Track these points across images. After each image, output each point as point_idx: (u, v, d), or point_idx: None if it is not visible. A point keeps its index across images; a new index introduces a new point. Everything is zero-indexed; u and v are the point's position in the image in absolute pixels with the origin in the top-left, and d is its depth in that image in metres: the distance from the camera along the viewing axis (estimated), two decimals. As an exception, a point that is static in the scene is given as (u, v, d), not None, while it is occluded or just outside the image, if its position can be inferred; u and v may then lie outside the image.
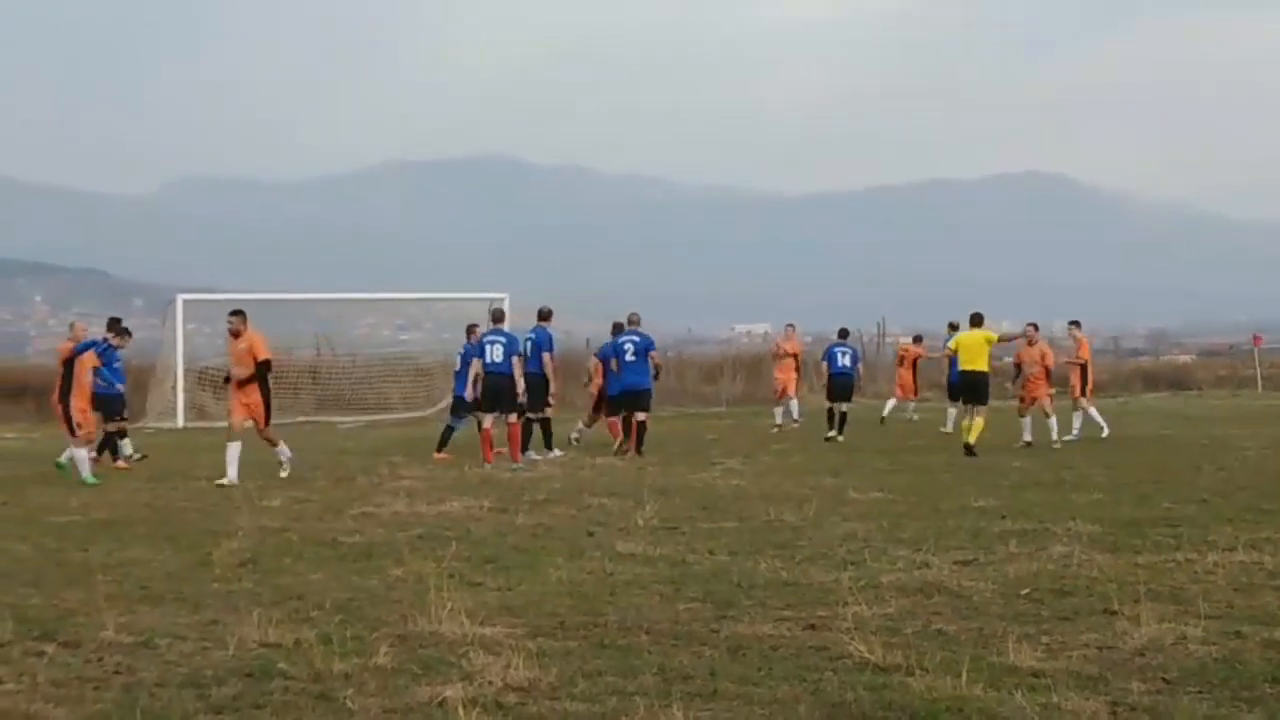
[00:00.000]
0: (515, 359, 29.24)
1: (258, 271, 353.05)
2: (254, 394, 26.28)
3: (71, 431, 26.51)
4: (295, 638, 11.55)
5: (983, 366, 30.88)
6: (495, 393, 29.26)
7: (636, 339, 31.64)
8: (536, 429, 31.02)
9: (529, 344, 30.28)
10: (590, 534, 18.11)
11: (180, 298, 45.54)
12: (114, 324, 30.64)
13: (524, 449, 30.12)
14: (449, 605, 12.26)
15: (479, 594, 13.69)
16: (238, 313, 26.51)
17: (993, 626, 12.00)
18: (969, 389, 31.07)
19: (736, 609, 12.92)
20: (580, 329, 67.06)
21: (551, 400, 31.24)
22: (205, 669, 10.80)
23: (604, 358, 33.15)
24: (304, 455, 30.38)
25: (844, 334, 41.08)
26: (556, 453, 30.31)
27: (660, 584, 14.26)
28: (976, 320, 31.52)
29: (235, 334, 26.34)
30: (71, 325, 29.10)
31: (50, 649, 11.46)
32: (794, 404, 40.09)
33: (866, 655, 10.78)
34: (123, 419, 30.76)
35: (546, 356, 30.39)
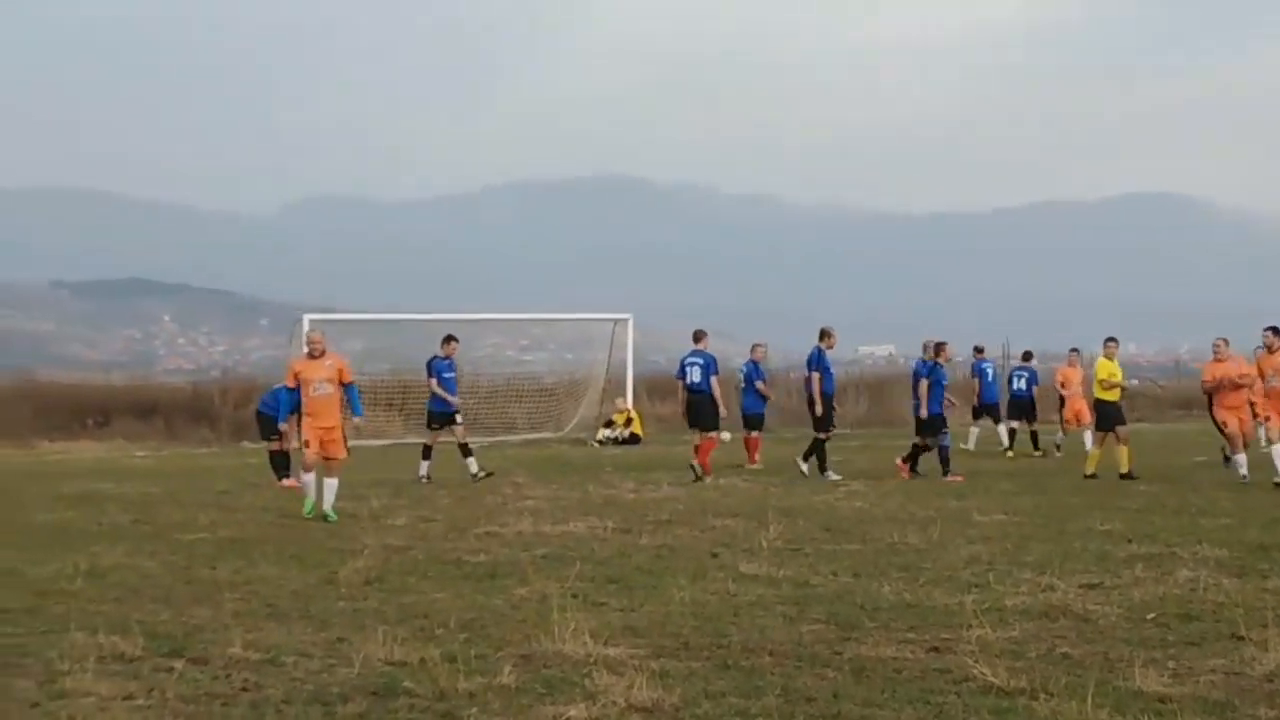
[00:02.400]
0: (714, 379, 30.42)
1: (379, 290, 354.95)
2: None
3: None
4: (420, 656, 11.61)
5: (1099, 394, 30.45)
6: (695, 411, 30.67)
7: (914, 365, 32.12)
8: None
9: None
10: (714, 555, 18.12)
11: (306, 317, 45.77)
12: (448, 339, 31.14)
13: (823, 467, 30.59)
14: (572, 625, 12.30)
15: (602, 614, 13.73)
16: None
17: (1118, 651, 11.92)
18: (1095, 415, 30.93)
19: (860, 631, 12.90)
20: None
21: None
22: (331, 686, 10.90)
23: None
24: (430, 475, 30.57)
25: (1027, 356, 40.96)
26: (833, 475, 30.10)
27: (784, 605, 14.26)
28: (1105, 344, 31.14)
29: None
30: (312, 339, 24.87)
31: (179, 665, 11.59)
32: (1088, 434, 38.08)
33: (991, 679, 10.74)
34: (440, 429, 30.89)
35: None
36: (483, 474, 29.61)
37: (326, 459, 23.45)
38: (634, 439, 45.03)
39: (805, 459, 30.74)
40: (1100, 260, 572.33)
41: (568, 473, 32.16)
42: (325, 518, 22.84)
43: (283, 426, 29.44)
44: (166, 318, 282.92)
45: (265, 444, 31.21)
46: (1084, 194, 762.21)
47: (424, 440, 31.12)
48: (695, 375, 30.62)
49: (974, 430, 40.06)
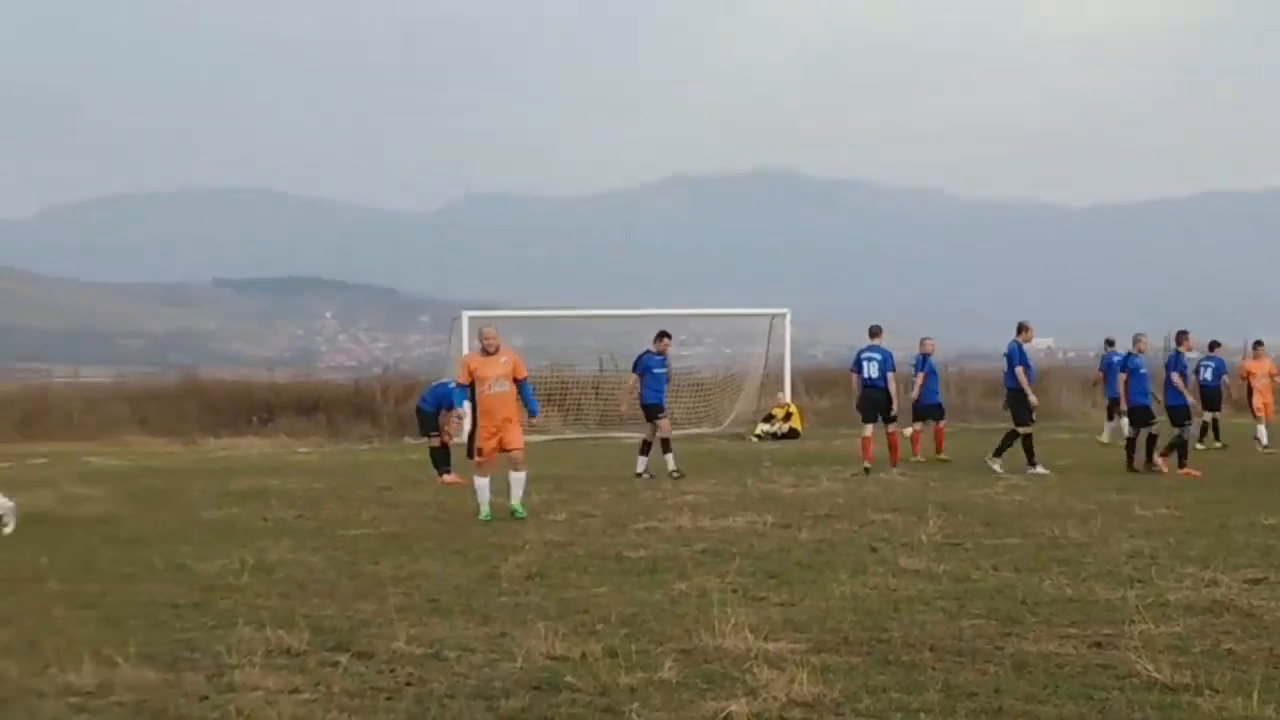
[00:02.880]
0: (890, 374, 30.72)
1: (541, 286, 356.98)
2: None
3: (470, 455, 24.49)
4: (581, 651, 11.69)
5: None
6: (873, 404, 30.88)
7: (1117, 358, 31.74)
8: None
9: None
10: (873, 549, 18.07)
11: (465, 314, 45.92)
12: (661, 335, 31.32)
13: (998, 455, 30.38)
14: (732, 620, 12.32)
15: (762, 609, 13.74)
16: None
17: (1284, 647, 11.79)
18: None
19: (1021, 626, 12.84)
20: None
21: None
22: (494, 681, 11.00)
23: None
24: (589, 470, 30.68)
25: (1213, 346, 40.49)
26: (1040, 469, 29.76)
27: (944, 600, 14.21)
28: None
29: None
30: (486, 334, 23.36)
31: (344, 659, 11.75)
32: (1261, 428, 38.03)
33: (1154, 674, 10.66)
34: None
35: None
36: (647, 475, 29.58)
37: (506, 450, 22.63)
38: (793, 434, 44.91)
39: (997, 455, 30.26)
40: (1263, 250, 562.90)
41: (726, 467, 32.13)
42: (513, 513, 22.50)
43: (457, 413, 28.82)
44: (328, 315, 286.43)
45: (426, 440, 31.40)
46: (1244, 184, 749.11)
47: (659, 436, 30.68)
48: (873, 370, 30.71)
49: (1109, 425, 39.56)
